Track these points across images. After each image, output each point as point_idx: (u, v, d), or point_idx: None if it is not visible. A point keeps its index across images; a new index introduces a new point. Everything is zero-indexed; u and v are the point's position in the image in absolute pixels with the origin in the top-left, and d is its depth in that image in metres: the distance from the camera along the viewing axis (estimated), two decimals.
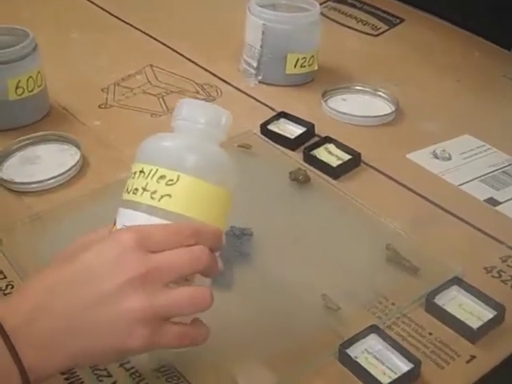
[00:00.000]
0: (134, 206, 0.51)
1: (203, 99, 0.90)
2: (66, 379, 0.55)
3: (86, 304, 0.47)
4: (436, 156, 0.81)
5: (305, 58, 0.93)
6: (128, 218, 0.51)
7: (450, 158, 0.81)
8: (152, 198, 0.50)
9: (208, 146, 0.53)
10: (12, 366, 0.45)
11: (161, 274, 0.48)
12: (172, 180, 0.51)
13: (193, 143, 0.53)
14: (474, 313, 0.60)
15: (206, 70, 0.98)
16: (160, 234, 0.49)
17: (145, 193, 0.51)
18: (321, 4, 0.97)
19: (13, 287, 0.63)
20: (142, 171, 0.52)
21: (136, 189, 0.51)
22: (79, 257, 0.48)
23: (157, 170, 0.51)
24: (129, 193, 0.52)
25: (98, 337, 0.47)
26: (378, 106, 0.90)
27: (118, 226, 0.52)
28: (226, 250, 0.65)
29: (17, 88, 0.83)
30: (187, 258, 0.49)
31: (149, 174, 0.51)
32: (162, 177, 0.51)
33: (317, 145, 0.81)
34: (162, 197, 0.50)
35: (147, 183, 0.51)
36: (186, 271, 0.49)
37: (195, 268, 0.50)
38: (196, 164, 0.52)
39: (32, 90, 0.84)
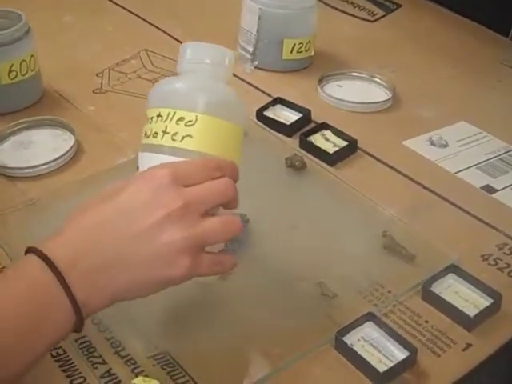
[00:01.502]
0: (156, 148, 0.53)
1: None
2: (60, 367, 0.54)
3: (129, 239, 0.49)
4: (432, 143, 0.81)
5: (301, 43, 0.92)
6: (151, 160, 0.53)
7: (446, 145, 0.80)
8: (173, 139, 0.53)
9: (218, 84, 0.55)
10: (67, 305, 0.47)
11: (196, 206, 0.50)
12: (191, 121, 0.53)
13: (204, 83, 0.55)
14: (471, 300, 0.60)
15: None
16: (190, 169, 0.52)
17: (165, 135, 0.53)
18: None
19: None
20: (159, 115, 0.54)
21: (156, 132, 0.53)
22: (117, 196, 0.50)
23: (175, 112, 0.53)
24: (148, 137, 0.54)
25: (143, 270, 0.49)
26: (374, 92, 0.90)
27: (142, 169, 0.53)
28: None
29: (10, 72, 0.82)
30: (217, 189, 0.52)
31: (167, 117, 0.53)
32: (181, 118, 0.53)
33: (313, 131, 0.80)
34: (183, 138, 0.53)
35: (166, 126, 0.53)
36: (217, 201, 0.52)
37: (224, 198, 0.52)
38: (211, 103, 0.54)
39: (25, 74, 0.83)
